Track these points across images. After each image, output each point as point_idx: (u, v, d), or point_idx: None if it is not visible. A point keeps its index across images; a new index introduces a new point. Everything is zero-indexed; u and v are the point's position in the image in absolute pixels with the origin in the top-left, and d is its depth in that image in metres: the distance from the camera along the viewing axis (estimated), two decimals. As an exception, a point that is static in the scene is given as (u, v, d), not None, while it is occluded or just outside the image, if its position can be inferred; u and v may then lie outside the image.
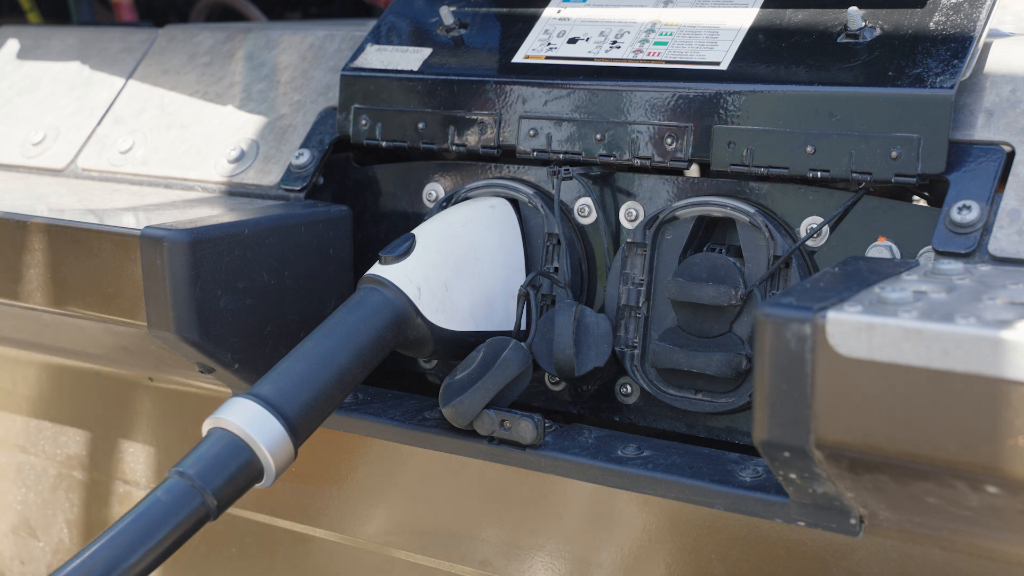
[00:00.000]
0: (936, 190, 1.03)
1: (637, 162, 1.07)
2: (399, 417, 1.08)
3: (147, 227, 1.04)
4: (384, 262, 1.04)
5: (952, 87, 0.94)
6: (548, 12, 1.19)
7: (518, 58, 1.15)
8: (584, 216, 1.11)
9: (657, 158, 1.06)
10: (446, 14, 1.21)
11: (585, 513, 0.99)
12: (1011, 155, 0.94)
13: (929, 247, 0.93)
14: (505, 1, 1.23)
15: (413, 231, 1.07)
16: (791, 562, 0.89)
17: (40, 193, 1.30)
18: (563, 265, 1.10)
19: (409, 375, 1.22)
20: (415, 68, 1.19)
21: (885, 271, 0.85)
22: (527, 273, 1.11)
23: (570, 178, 1.09)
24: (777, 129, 1.00)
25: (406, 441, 1.07)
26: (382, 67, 1.21)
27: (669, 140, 1.05)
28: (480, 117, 1.14)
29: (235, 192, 1.26)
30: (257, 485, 0.92)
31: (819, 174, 0.98)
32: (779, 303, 0.75)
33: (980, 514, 0.76)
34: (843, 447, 0.75)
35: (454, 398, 1.00)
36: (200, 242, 1.03)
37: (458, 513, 1.06)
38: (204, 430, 0.93)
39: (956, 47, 0.97)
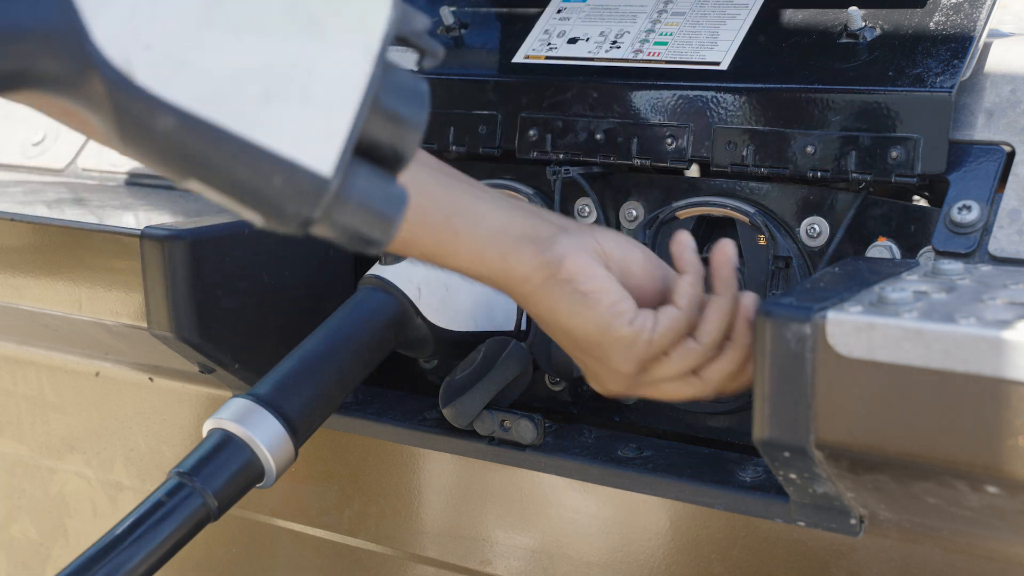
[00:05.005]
0: (936, 190, 1.03)
1: (637, 162, 1.07)
2: (399, 417, 1.08)
3: (147, 227, 1.04)
4: (384, 262, 1.04)
5: (952, 87, 0.94)
6: (548, 12, 1.19)
7: (518, 58, 1.15)
8: (584, 216, 1.11)
9: (657, 158, 1.06)
10: (446, 14, 1.21)
11: (585, 513, 0.99)
12: (1011, 155, 0.94)
13: (929, 247, 0.93)
14: (505, 1, 1.23)
15: (413, 231, 1.07)
16: (791, 562, 0.89)
17: (40, 193, 1.30)
18: (563, 265, 1.10)
19: (409, 375, 1.22)
20: (415, 68, 1.19)
21: (885, 271, 0.85)
22: (527, 273, 1.11)
23: (570, 178, 1.09)
24: (777, 129, 1.00)
25: (406, 441, 1.07)
26: (382, 67, 1.21)
27: (669, 140, 1.05)
28: (480, 117, 1.14)
29: (235, 192, 1.25)
30: (258, 485, 0.92)
31: (819, 174, 0.98)
32: (779, 303, 0.75)
33: (980, 514, 0.76)
34: (843, 447, 0.75)
35: (454, 398, 1.00)
36: (200, 242, 1.03)
37: (458, 513, 1.06)
38: (204, 431, 0.93)
39: (956, 47, 0.97)
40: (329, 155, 0.61)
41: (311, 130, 0.60)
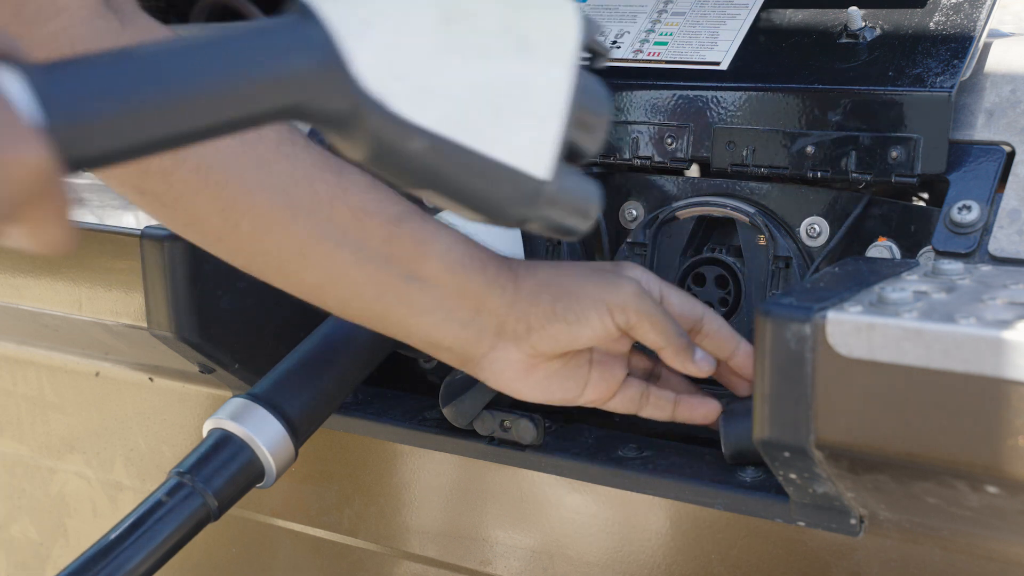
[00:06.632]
0: (936, 190, 1.03)
1: (637, 162, 1.07)
2: (399, 417, 1.08)
3: (147, 227, 1.04)
4: None
5: (952, 87, 0.94)
6: (548, 12, 1.19)
7: (518, 58, 1.15)
8: (584, 216, 1.11)
9: (657, 158, 1.06)
10: (446, 14, 1.21)
11: (585, 513, 0.99)
12: (1011, 155, 0.94)
13: (929, 247, 0.93)
14: (505, 1, 1.23)
15: (413, 231, 1.07)
16: (791, 562, 0.89)
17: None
18: (563, 265, 1.10)
19: (409, 375, 1.22)
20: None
21: (885, 271, 0.85)
22: (527, 273, 1.11)
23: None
24: (777, 129, 1.00)
25: (406, 441, 1.07)
26: (382, 67, 1.21)
27: (669, 140, 1.05)
28: (480, 117, 1.14)
29: (235, 192, 1.25)
30: (258, 486, 0.93)
31: (819, 174, 0.98)
32: (779, 303, 0.75)
33: (980, 514, 0.76)
34: (843, 447, 0.75)
35: (454, 398, 1.00)
36: (200, 242, 1.03)
37: (457, 513, 1.06)
38: (204, 431, 0.93)
39: (956, 47, 0.97)
40: (545, 161, 0.68)
41: (530, 140, 0.67)
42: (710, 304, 1.05)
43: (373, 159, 0.65)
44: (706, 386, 1.02)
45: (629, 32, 1.13)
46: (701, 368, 0.92)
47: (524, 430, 0.98)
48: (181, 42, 0.58)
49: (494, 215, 0.69)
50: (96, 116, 0.55)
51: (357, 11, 0.62)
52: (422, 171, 0.65)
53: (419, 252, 0.87)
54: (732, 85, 1.03)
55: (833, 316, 0.73)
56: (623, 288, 0.89)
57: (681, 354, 0.91)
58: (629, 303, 0.88)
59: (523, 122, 0.67)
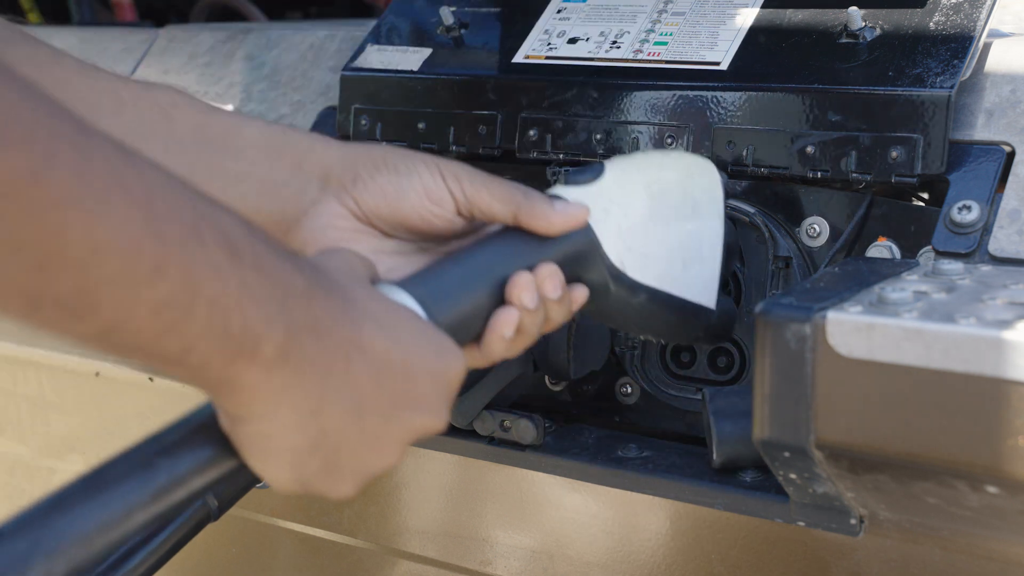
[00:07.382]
0: (936, 190, 1.03)
1: (637, 162, 1.07)
2: (399, 417, 1.08)
3: (147, 227, 1.04)
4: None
5: (952, 87, 0.94)
6: (548, 12, 1.19)
7: (518, 58, 1.15)
8: (584, 216, 1.11)
9: (657, 158, 1.05)
10: (446, 14, 1.21)
11: (585, 513, 0.99)
12: (1011, 155, 0.94)
13: (929, 247, 0.93)
14: (505, 1, 1.23)
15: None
16: (791, 562, 0.89)
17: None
18: (563, 265, 1.10)
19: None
20: (415, 68, 1.19)
21: (885, 271, 0.85)
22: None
23: (570, 178, 1.10)
24: (777, 129, 1.00)
25: (406, 441, 1.07)
26: (382, 67, 1.21)
27: (669, 140, 1.05)
28: (480, 117, 1.14)
29: (235, 192, 1.25)
30: (258, 486, 0.92)
31: (819, 174, 0.98)
32: (779, 303, 0.75)
33: (980, 514, 0.76)
34: (843, 447, 0.75)
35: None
36: (200, 242, 1.02)
37: (457, 513, 1.06)
38: (204, 430, 0.93)
39: (956, 47, 0.97)
40: (712, 293, 0.87)
41: (703, 279, 0.86)
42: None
43: (602, 308, 0.82)
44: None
45: (629, 32, 1.13)
46: (570, 215, 0.80)
47: (524, 430, 0.98)
48: (496, 239, 0.78)
49: (679, 338, 0.91)
50: (454, 315, 0.72)
51: (598, 201, 0.79)
52: (637, 316, 0.83)
53: (234, 125, 0.83)
54: (732, 85, 1.03)
55: (833, 316, 0.73)
56: (454, 163, 0.83)
57: (539, 206, 0.80)
58: (461, 171, 0.82)
59: (699, 267, 0.85)
